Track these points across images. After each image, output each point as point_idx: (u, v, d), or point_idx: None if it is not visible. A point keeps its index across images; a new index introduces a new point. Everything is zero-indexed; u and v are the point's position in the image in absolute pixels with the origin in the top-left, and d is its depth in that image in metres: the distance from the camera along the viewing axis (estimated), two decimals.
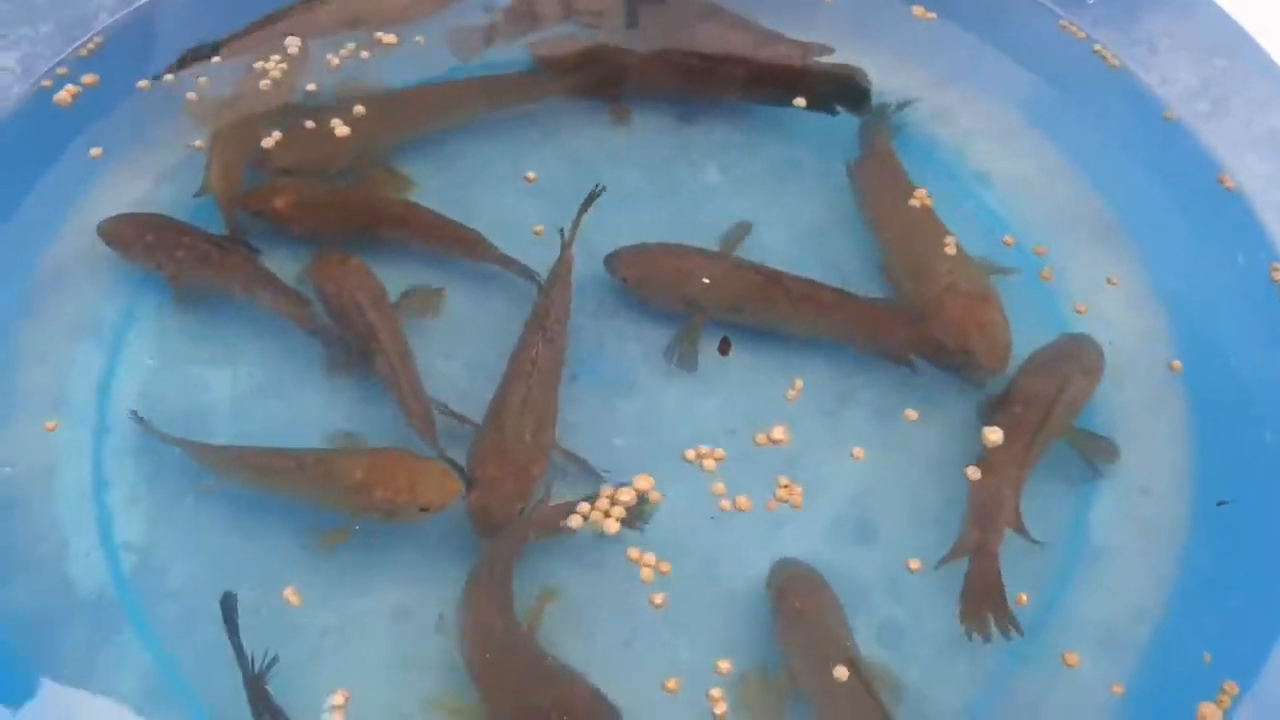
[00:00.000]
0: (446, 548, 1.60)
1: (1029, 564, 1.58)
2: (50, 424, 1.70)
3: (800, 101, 2.02)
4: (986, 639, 1.50)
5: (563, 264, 1.78)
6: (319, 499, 1.61)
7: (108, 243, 1.84)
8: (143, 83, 2.05)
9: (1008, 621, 1.51)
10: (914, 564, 1.60)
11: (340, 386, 1.74)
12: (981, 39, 2.15)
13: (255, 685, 1.44)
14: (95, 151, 1.95)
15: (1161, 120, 2.03)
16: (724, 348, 1.78)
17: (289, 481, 1.61)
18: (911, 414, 1.73)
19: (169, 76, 2.05)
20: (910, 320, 1.76)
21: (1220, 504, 1.65)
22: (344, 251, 1.83)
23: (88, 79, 2.02)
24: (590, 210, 1.81)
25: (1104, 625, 1.57)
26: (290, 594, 1.57)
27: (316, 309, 1.77)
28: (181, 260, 1.80)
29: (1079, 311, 1.84)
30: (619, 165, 1.99)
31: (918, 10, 2.09)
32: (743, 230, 1.88)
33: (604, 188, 1.83)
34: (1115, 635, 1.56)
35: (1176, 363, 1.78)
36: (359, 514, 1.58)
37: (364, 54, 2.09)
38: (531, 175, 1.97)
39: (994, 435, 1.64)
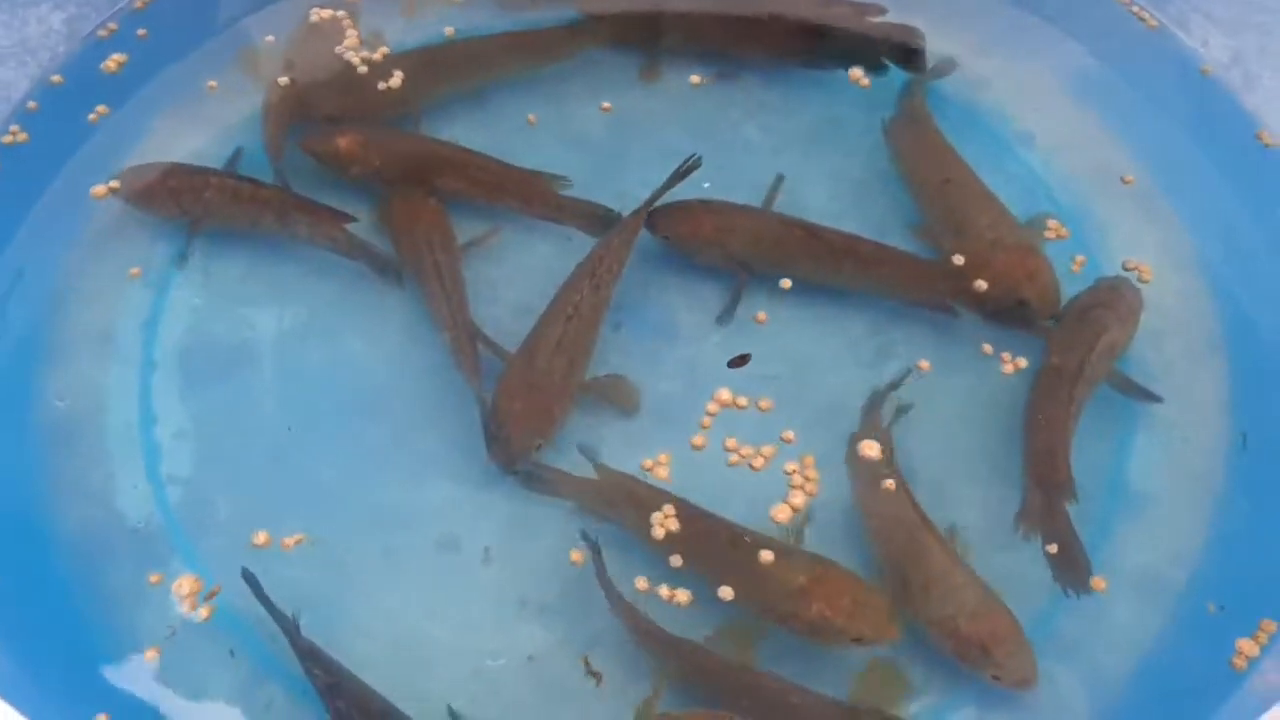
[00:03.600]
0: (490, 480, 1.62)
1: (1072, 511, 1.58)
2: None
3: (856, 72, 2.04)
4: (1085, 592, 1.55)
5: (633, 219, 1.77)
6: (734, 582, 1.50)
7: (127, 199, 1.80)
8: (194, 36, 2.06)
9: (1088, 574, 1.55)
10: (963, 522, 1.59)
11: (384, 327, 1.76)
12: (1020, 3, 2.16)
13: (297, 641, 1.45)
14: (146, 104, 1.97)
15: (1199, 78, 2.04)
16: (738, 362, 1.76)
17: (710, 551, 1.53)
18: (948, 367, 1.74)
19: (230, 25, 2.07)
20: (949, 272, 1.77)
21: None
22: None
23: (139, 33, 2.04)
24: (679, 181, 1.79)
25: (1144, 569, 1.58)
26: (333, 527, 1.58)
27: (355, 232, 1.77)
28: (210, 201, 1.77)
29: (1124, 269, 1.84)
30: (659, 123, 2.00)
31: None
32: (778, 182, 1.89)
33: (698, 158, 1.80)
34: (1155, 579, 1.58)
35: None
36: (771, 614, 1.48)
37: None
38: (573, 132, 1.99)
39: (870, 450, 1.62)
